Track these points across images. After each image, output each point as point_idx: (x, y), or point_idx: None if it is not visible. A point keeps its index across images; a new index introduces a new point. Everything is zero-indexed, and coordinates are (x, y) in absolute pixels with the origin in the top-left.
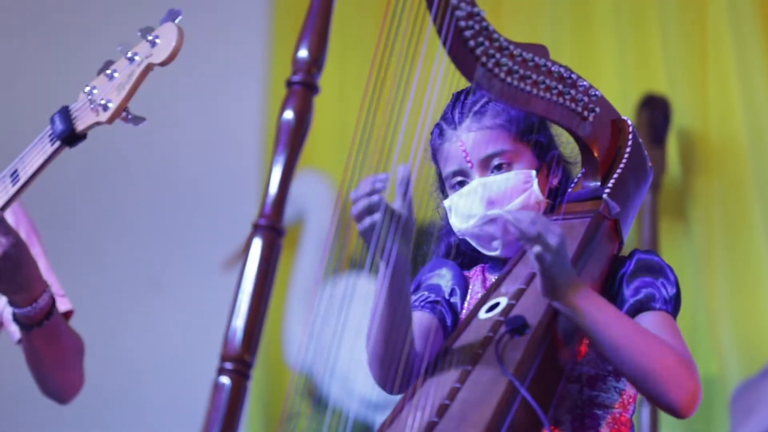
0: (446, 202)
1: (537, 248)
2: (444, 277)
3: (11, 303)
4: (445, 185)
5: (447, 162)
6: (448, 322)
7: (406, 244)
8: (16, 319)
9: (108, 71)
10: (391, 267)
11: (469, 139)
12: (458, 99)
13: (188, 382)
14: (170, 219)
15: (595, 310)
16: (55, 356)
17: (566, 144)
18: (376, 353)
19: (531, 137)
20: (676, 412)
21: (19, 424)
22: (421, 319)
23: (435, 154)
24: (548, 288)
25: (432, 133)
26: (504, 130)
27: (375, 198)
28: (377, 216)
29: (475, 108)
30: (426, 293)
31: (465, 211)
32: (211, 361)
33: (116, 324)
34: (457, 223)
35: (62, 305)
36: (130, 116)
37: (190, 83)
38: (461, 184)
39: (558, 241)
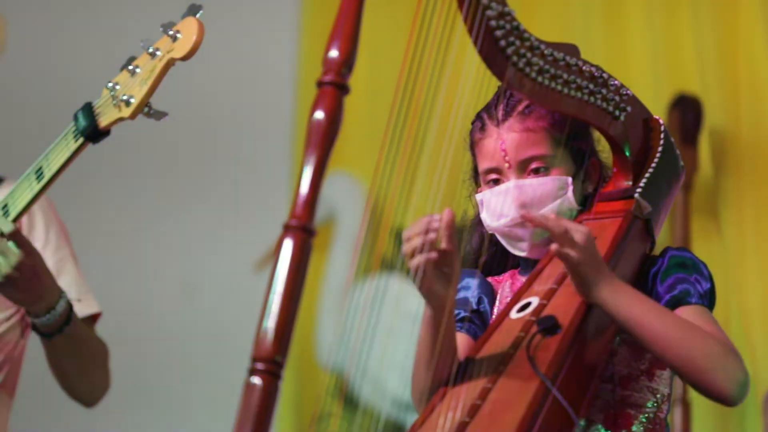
0: (478, 196)
1: (562, 245)
2: (469, 288)
3: (29, 314)
4: (478, 177)
5: (485, 158)
6: (480, 334)
7: (450, 285)
8: (36, 328)
9: (130, 67)
10: (432, 309)
11: (510, 139)
12: (503, 94)
13: (220, 382)
14: (202, 220)
15: (631, 303)
16: (77, 362)
17: (606, 151)
18: (420, 389)
19: (573, 143)
20: (724, 400)
21: (47, 422)
22: None
23: (473, 146)
24: (580, 285)
25: (473, 124)
26: (547, 134)
27: (430, 236)
28: (424, 256)
29: (520, 108)
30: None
31: (497, 209)
32: (243, 361)
33: (147, 325)
34: (488, 220)
35: (85, 309)
36: (152, 111)
37: (219, 83)
38: (496, 182)
39: (584, 239)
